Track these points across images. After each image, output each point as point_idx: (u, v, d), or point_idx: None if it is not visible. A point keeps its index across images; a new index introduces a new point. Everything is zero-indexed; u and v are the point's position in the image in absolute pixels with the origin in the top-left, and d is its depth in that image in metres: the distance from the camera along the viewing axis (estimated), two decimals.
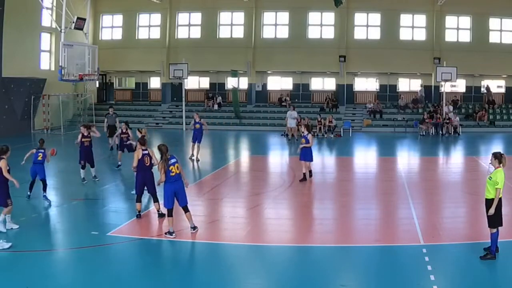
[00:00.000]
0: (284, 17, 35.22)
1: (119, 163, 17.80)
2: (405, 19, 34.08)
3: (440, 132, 29.73)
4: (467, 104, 33.88)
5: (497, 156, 9.00)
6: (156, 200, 11.66)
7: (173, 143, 27.46)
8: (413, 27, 34.05)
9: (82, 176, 15.31)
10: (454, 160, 22.89)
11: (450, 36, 33.71)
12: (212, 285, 8.15)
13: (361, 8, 34.14)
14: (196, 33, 36.09)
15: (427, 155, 23.21)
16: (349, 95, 35.16)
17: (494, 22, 33.11)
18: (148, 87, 38.09)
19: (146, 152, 11.62)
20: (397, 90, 35.34)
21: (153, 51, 35.53)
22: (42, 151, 13.24)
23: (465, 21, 33.54)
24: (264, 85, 36.64)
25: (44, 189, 13.18)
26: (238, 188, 15.81)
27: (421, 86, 34.34)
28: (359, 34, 34.56)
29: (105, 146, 22.07)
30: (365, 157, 23.84)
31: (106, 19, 37.13)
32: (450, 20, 33.69)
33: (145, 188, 11.67)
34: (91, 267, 8.74)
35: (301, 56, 34.06)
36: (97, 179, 15.60)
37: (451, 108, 31.34)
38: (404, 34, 34.05)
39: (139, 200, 11.57)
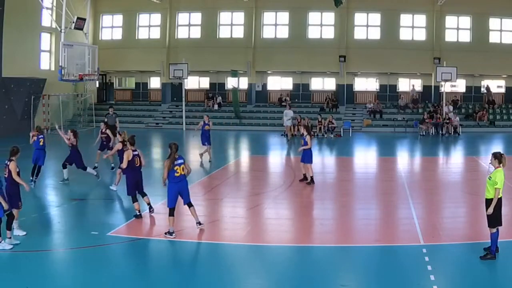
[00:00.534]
0: (284, 17, 35.23)
1: (96, 164, 17.07)
2: (405, 19, 34.09)
3: (440, 132, 29.73)
4: (467, 104, 33.89)
5: (497, 156, 9.00)
6: (145, 194, 11.96)
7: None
8: (413, 27, 34.06)
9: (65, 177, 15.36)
10: (454, 160, 22.90)
11: (450, 36, 33.72)
12: (212, 285, 8.15)
13: (361, 8, 34.15)
14: (196, 33, 36.10)
15: (427, 155, 23.22)
16: (349, 95, 35.16)
17: (494, 22, 33.11)
18: (148, 87, 38.10)
19: (136, 153, 11.82)
20: (397, 90, 35.35)
21: (153, 51, 35.52)
22: (42, 136, 14.10)
23: (465, 21, 33.55)
24: (264, 85, 36.64)
25: (36, 175, 13.89)
26: (238, 188, 15.81)
27: (413, 86, 34.44)
28: (359, 34, 34.57)
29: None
30: (365, 157, 23.84)
31: (106, 19, 37.14)
32: (450, 20, 33.70)
33: None
34: (91, 267, 8.74)
35: (301, 56, 34.06)
36: (98, 178, 15.66)
37: (451, 108, 31.34)
38: (404, 34, 34.06)
39: (135, 200, 11.65)
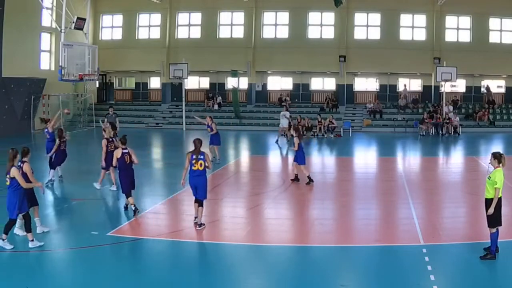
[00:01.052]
0: (284, 17, 35.22)
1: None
2: (405, 19, 34.08)
3: (440, 132, 29.73)
4: (467, 104, 33.88)
5: (497, 156, 9.01)
6: (131, 195, 11.98)
7: (172, 143, 27.59)
8: (413, 27, 34.05)
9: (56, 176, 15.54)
10: (454, 160, 22.90)
11: (450, 36, 33.72)
12: (212, 285, 8.15)
13: (361, 8, 34.14)
14: (196, 33, 36.09)
15: (427, 155, 23.22)
16: (349, 95, 35.16)
17: (494, 22, 33.11)
18: (148, 87, 38.10)
19: (126, 151, 11.99)
20: (397, 90, 35.30)
21: (153, 51, 35.51)
22: (47, 129, 15.56)
23: (465, 21, 33.54)
24: (264, 85, 36.64)
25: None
26: (238, 188, 15.82)
27: (405, 85, 34.47)
28: (359, 34, 34.56)
29: None
30: (365, 157, 23.83)
31: (106, 19, 37.12)
32: (450, 20, 33.69)
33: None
34: (91, 267, 8.74)
35: (301, 56, 34.05)
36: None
37: (451, 108, 31.34)
38: (404, 34, 34.05)
39: (130, 194, 11.83)
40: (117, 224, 11.35)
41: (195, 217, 10.96)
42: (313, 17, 35.02)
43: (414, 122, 31.03)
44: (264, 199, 13.93)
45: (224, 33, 35.88)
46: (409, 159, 22.62)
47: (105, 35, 37.12)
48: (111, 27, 37.07)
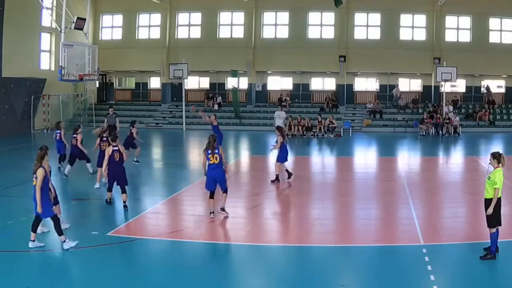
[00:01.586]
0: (284, 17, 35.23)
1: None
2: (405, 19, 34.09)
3: (440, 132, 29.73)
4: (467, 104, 33.89)
5: (496, 156, 9.01)
6: (124, 191, 12.33)
7: (172, 143, 27.57)
8: (413, 27, 34.07)
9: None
10: (454, 160, 22.90)
11: (450, 36, 33.73)
12: (212, 285, 8.15)
13: (361, 8, 34.15)
14: (196, 33, 36.10)
15: (427, 155, 23.22)
16: (349, 95, 35.16)
17: (494, 22, 33.12)
18: (148, 87, 38.11)
19: (116, 148, 12.35)
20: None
21: (153, 51, 35.53)
22: (58, 131, 16.75)
23: (465, 21, 33.55)
24: (264, 85, 36.65)
25: (61, 161, 16.78)
26: (238, 188, 15.79)
27: (397, 85, 34.47)
28: (359, 34, 34.57)
29: None
30: (365, 157, 23.83)
31: (106, 19, 37.14)
32: (450, 20, 33.70)
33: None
34: (91, 267, 8.74)
35: (301, 56, 34.05)
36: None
37: (451, 108, 31.34)
38: (404, 34, 34.06)
39: (110, 190, 12.57)
40: (117, 224, 11.35)
41: (211, 213, 11.56)
42: (313, 17, 35.03)
43: (414, 122, 31.04)
44: (264, 199, 13.93)
45: (224, 33, 35.89)
46: (409, 159, 22.60)
47: (105, 35, 37.13)
48: (111, 27, 37.08)
